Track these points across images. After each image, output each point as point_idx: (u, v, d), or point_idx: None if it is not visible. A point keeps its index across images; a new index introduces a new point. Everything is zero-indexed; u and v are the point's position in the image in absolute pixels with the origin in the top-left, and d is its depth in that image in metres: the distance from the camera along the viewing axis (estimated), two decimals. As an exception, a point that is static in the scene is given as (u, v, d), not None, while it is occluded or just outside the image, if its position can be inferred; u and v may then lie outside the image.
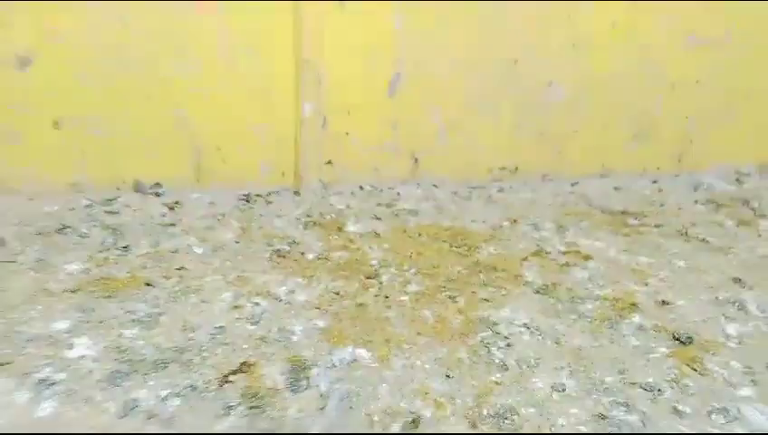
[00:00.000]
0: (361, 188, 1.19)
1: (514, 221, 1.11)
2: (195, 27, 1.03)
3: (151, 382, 0.65)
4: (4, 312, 0.75)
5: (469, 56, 1.18)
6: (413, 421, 0.63)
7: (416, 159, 1.23)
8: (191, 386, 0.65)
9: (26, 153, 1.02)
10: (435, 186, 1.23)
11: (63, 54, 0.99)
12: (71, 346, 0.70)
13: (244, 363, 0.69)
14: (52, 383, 0.64)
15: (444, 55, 1.16)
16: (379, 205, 1.14)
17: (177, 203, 1.07)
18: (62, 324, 0.74)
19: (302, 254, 0.95)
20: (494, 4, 1.15)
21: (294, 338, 0.75)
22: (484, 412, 0.65)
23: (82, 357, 0.68)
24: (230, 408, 0.63)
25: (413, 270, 0.92)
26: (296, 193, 1.16)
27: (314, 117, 1.12)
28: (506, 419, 0.64)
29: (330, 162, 1.18)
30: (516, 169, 1.29)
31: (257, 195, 1.13)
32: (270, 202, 1.11)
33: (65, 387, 0.64)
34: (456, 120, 1.21)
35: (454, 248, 1.00)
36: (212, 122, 1.10)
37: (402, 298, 0.84)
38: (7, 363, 0.66)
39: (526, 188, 1.26)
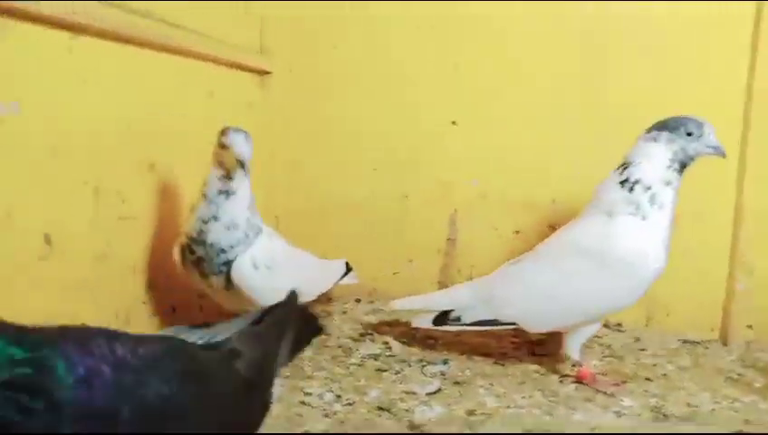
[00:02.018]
0: (778, 348, 1.57)
1: None
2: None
3: None
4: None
5: None
6: None
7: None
8: None
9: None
10: None
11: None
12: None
13: None
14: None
15: None
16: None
17: (637, 339, 1.62)
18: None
19: (750, 383, 1.36)
20: None
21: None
22: None
23: None
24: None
25: None
26: (724, 344, 1.60)
27: (744, 293, 1.59)
28: None
29: (750, 326, 1.60)
30: None
31: (695, 341, 1.61)
32: (707, 347, 1.58)
33: None
34: None
35: None
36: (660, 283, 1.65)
37: None
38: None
39: None
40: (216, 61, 1.48)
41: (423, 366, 1.37)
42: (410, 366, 1.37)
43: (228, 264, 1.19)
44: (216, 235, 1.17)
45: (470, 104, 1.72)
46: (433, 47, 1.75)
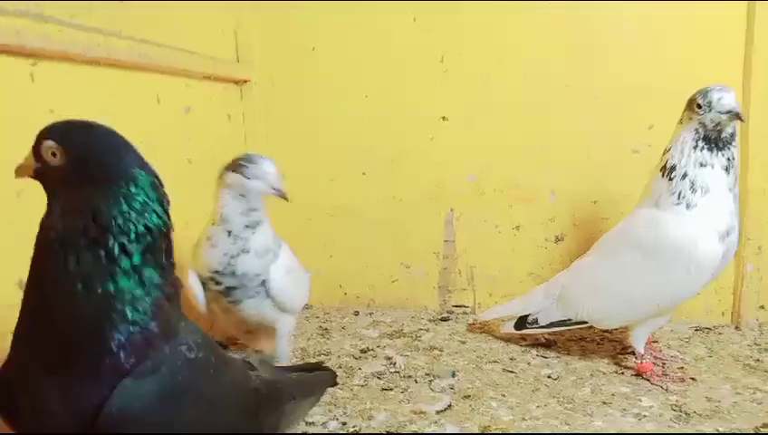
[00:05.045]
0: (791, 328, 1.53)
1: None
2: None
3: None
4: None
5: None
6: None
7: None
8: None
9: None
10: None
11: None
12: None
13: None
14: None
15: None
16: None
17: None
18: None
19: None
20: None
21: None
22: None
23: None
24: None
25: None
26: (737, 328, 1.56)
27: (754, 274, 1.54)
28: None
29: (762, 307, 1.56)
30: None
31: (706, 327, 1.57)
32: (720, 333, 1.53)
33: None
34: None
35: None
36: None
37: None
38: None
39: None
40: (191, 75, 1.40)
41: (430, 381, 1.30)
42: (417, 382, 1.30)
43: (263, 283, 1.15)
44: (248, 265, 1.13)
45: (460, 97, 1.64)
46: (416, 41, 1.65)
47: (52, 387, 0.63)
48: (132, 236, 0.64)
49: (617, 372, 1.32)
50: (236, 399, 0.77)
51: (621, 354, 1.41)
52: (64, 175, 0.65)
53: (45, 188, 0.68)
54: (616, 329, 1.40)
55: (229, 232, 1.12)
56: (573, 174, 1.61)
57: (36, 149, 0.67)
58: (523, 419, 1.13)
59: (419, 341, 1.53)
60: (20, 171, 0.69)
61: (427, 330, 1.61)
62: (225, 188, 1.12)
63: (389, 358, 1.43)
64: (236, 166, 1.11)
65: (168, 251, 0.70)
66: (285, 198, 1.12)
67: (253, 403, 0.80)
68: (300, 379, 1.02)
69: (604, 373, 1.32)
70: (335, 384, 1.16)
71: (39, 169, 0.67)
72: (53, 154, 0.65)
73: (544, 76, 1.60)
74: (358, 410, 1.18)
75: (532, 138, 1.62)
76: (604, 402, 1.19)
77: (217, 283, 1.13)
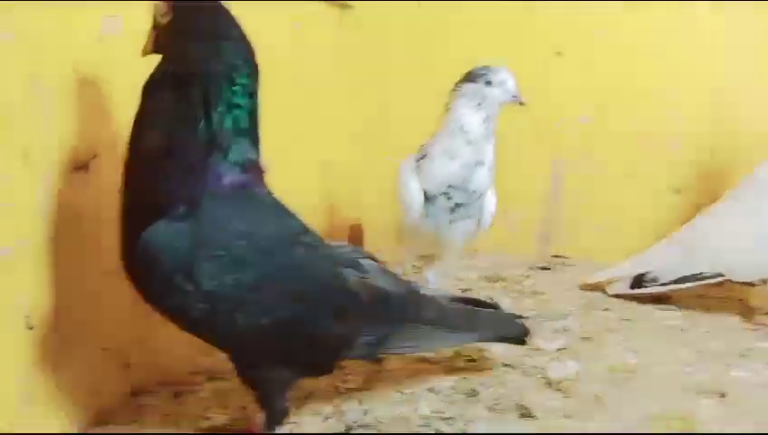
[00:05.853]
0: None
1: None
2: None
3: None
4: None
5: None
6: None
7: None
8: None
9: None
10: None
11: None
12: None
13: None
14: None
15: None
16: None
17: None
18: None
19: None
20: None
21: None
22: None
23: None
24: None
25: None
26: None
27: None
28: None
29: None
30: None
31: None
32: None
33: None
34: None
35: None
36: None
37: None
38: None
39: None
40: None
41: (541, 322, 1.23)
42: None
43: (479, 207, 1.14)
44: (480, 179, 1.11)
45: (577, 32, 1.52)
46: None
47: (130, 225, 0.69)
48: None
49: (750, 329, 1.21)
50: (308, 286, 0.73)
51: (749, 313, 1.29)
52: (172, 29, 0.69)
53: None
54: (747, 284, 1.27)
55: (469, 142, 1.10)
56: (700, 119, 1.48)
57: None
58: (652, 363, 1.04)
59: (521, 286, 1.46)
60: (145, 49, 0.71)
61: (528, 276, 1.53)
62: (463, 98, 1.11)
63: (492, 298, 1.36)
64: (474, 76, 1.11)
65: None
66: (522, 104, 1.11)
67: (338, 301, 0.76)
68: (452, 308, 0.93)
69: (735, 329, 1.21)
70: (521, 342, 0.98)
71: (155, 37, 0.70)
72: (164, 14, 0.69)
73: (674, 9, 1.46)
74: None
75: (655, 78, 1.50)
76: (742, 355, 1.08)
77: (449, 197, 1.11)
